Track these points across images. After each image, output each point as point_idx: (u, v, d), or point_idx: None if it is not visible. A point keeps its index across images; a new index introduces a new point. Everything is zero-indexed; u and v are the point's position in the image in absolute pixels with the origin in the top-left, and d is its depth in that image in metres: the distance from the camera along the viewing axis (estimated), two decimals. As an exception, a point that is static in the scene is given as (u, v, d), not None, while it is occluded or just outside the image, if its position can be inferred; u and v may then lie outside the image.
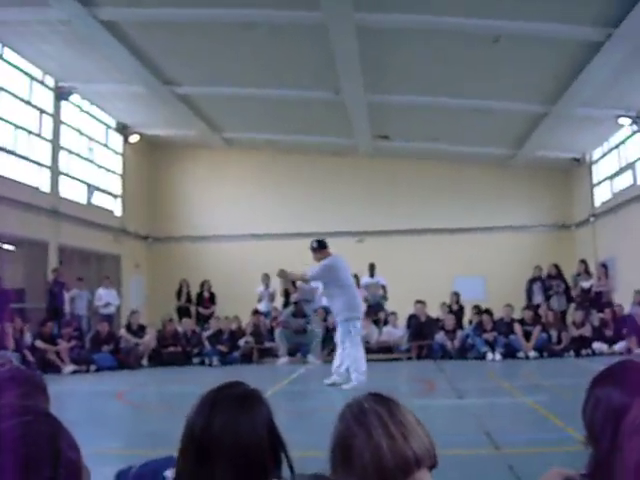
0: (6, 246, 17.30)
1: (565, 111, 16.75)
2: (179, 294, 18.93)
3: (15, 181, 16.54)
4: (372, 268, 17.85)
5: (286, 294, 16.71)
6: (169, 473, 1.94)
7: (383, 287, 17.80)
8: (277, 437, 1.81)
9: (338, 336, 10.47)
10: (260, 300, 18.02)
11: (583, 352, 15.02)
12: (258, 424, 1.78)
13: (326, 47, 14.23)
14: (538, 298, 17.13)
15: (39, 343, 14.17)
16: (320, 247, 10.43)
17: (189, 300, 18.74)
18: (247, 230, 22.92)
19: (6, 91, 16.46)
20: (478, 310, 16.57)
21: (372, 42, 13.96)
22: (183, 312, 18.38)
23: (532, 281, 17.54)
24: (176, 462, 1.80)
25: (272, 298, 17.98)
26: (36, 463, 0.79)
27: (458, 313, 17.17)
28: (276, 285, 17.84)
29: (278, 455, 1.79)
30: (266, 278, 17.98)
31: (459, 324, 16.57)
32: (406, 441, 1.65)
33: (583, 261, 17.35)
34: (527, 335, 15.41)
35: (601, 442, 1.66)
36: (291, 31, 14.07)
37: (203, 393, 1.86)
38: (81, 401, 10.14)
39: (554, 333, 15.62)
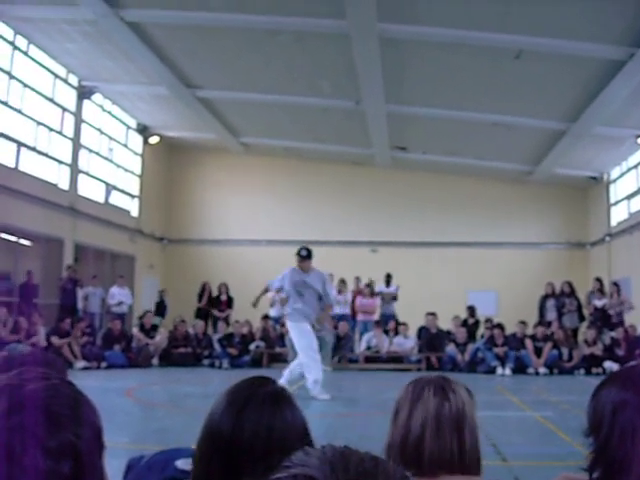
0: (23, 241, 17.43)
1: (585, 129, 16.71)
2: (200, 296, 18.98)
3: (34, 177, 16.68)
4: (388, 278, 17.90)
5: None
6: (179, 462, 1.97)
7: (394, 298, 17.80)
8: (311, 441, 1.68)
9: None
10: (272, 305, 18.03)
11: (594, 370, 14.91)
12: (290, 426, 1.67)
13: (349, 56, 14.29)
14: (551, 315, 17.05)
15: (55, 339, 14.26)
16: (309, 257, 10.79)
17: (211, 303, 18.77)
18: (262, 235, 23.00)
19: (30, 88, 16.61)
20: (490, 324, 16.55)
21: (394, 53, 14.01)
22: (203, 315, 18.42)
23: (545, 298, 17.48)
24: (194, 465, 1.70)
25: (284, 303, 17.95)
26: (59, 423, 0.83)
27: (473, 327, 17.16)
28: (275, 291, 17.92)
29: None
30: None
31: (472, 338, 16.55)
32: (433, 444, 1.79)
33: (598, 279, 17.26)
34: (538, 351, 15.35)
35: (598, 436, 1.69)
36: (315, 39, 14.14)
37: (228, 389, 1.73)
38: (91, 396, 10.14)
39: (565, 350, 15.55)
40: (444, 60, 14.27)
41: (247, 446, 1.59)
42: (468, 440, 1.85)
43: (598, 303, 16.77)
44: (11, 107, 15.93)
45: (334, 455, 0.77)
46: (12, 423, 0.80)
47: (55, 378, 0.88)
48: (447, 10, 12.45)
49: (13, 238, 17.00)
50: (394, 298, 17.84)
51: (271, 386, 1.76)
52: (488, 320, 16.94)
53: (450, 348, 15.98)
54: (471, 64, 14.25)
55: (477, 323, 17.45)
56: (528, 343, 15.46)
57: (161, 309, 19.35)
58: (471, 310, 17.66)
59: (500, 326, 16.16)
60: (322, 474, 0.73)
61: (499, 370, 15.03)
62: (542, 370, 15.05)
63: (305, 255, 10.76)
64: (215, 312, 18.48)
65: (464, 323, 17.08)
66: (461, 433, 1.84)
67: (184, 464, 1.94)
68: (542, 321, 16.78)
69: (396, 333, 16.87)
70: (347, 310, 17.65)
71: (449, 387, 1.93)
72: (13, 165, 15.97)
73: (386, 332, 16.67)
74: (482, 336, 16.70)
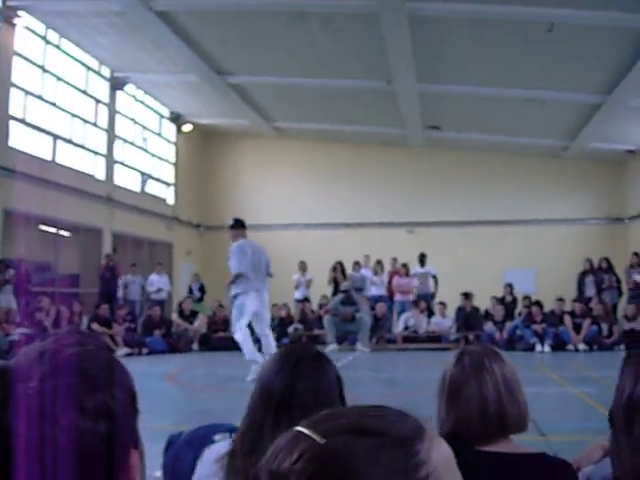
0: (62, 232, 17.69)
1: (620, 102, 16.42)
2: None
3: (71, 169, 16.92)
4: (422, 258, 17.83)
5: (335, 282, 16.78)
6: (218, 437, 2.03)
7: (434, 277, 17.79)
8: (343, 395, 1.93)
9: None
10: (297, 287, 18.15)
11: (634, 346, 14.78)
12: (333, 383, 1.91)
13: (378, 36, 14.21)
14: (590, 291, 16.91)
15: (95, 326, 14.49)
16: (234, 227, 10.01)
17: None
18: (297, 219, 23.05)
19: (63, 81, 16.81)
20: (529, 302, 16.44)
21: (424, 31, 13.89)
22: None
23: (583, 274, 17.33)
24: (246, 416, 1.89)
25: (308, 285, 18.08)
26: (95, 385, 0.87)
27: (510, 305, 17.07)
28: (313, 273, 18.01)
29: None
30: (302, 266, 18.15)
31: (511, 315, 16.47)
32: (510, 405, 1.91)
33: (636, 254, 17.04)
34: (577, 328, 15.24)
35: (616, 419, 1.71)
36: (343, 21, 14.07)
37: (278, 352, 2.00)
38: (134, 381, 10.34)
39: (605, 326, 15.41)
40: (475, 36, 14.11)
41: (299, 401, 1.80)
42: (524, 398, 2.00)
43: (638, 277, 16.57)
44: (46, 101, 16.14)
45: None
46: (49, 386, 0.84)
47: (91, 344, 0.91)
48: (476, -14, 12.33)
49: (52, 229, 17.27)
50: (435, 287, 17.80)
51: (314, 349, 2.04)
52: (526, 297, 16.82)
53: (488, 326, 15.94)
54: (502, 39, 14.07)
55: (515, 301, 17.35)
56: (567, 319, 15.35)
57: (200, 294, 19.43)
58: (509, 288, 17.56)
59: (538, 303, 16.05)
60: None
61: (538, 347, 14.96)
62: (581, 346, 14.94)
63: (230, 225, 10.10)
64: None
65: (502, 301, 17.01)
66: (521, 393, 1.99)
67: (222, 439, 2.00)
68: (581, 297, 16.64)
69: (432, 312, 16.85)
70: (384, 291, 17.67)
71: (499, 353, 2.06)
72: (50, 158, 16.20)
73: (423, 312, 16.64)
74: (520, 314, 16.61)
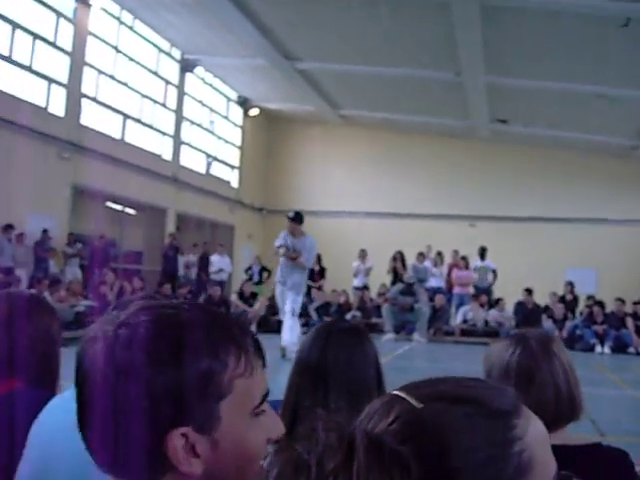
0: (128, 210, 18.02)
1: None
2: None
3: (139, 148, 17.21)
4: (483, 252, 17.61)
5: (394, 272, 16.70)
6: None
7: (493, 271, 17.56)
8: (380, 369, 1.94)
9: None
10: (356, 275, 18.12)
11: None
12: (368, 357, 1.92)
13: (448, 26, 14.05)
14: (655, 294, 16.53)
15: (156, 303, 14.72)
16: (301, 221, 10.50)
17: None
18: (359, 207, 23.01)
19: (135, 61, 17.08)
20: (592, 301, 16.12)
21: (496, 22, 13.67)
22: None
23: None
24: (288, 383, 1.91)
25: (367, 273, 18.03)
26: (165, 365, 0.88)
27: (571, 303, 16.78)
28: (373, 260, 17.95)
29: (382, 384, 1.92)
30: (363, 253, 18.11)
31: (571, 314, 16.19)
32: (576, 391, 1.90)
33: None
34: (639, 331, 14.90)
35: None
36: (414, 9, 13.96)
37: (314, 328, 2.01)
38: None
39: (669, 330, 15.02)
40: (546, 29, 13.83)
41: (332, 372, 1.82)
42: None
43: None
44: (117, 80, 16.43)
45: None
46: (120, 364, 0.85)
47: (162, 320, 0.91)
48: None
49: (119, 207, 17.60)
50: (494, 272, 17.58)
51: (350, 323, 2.07)
52: (591, 297, 16.50)
53: (547, 324, 15.69)
54: (574, 33, 13.74)
55: (576, 300, 17.04)
56: (629, 322, 15.00)
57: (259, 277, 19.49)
58: (570, 286, 17.26)
59: (600, 303, 15.74)
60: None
61: (598, 348, 14.66)
62: (644, 350, 14.60)
63: (292, 217, 10.50)
64: (309, 282, 18.59)
65: (562, 299, 16.74)
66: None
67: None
68: (644, 299, 16.26)
69: (490, 306, 16.66)
70: (442, 283, 17.54)
71: (558, 339, 2.07)
72: (119, 137, 16.50)
73: (482, 306, 16.46)
74: (581, 313, 16.31)
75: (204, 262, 18.63)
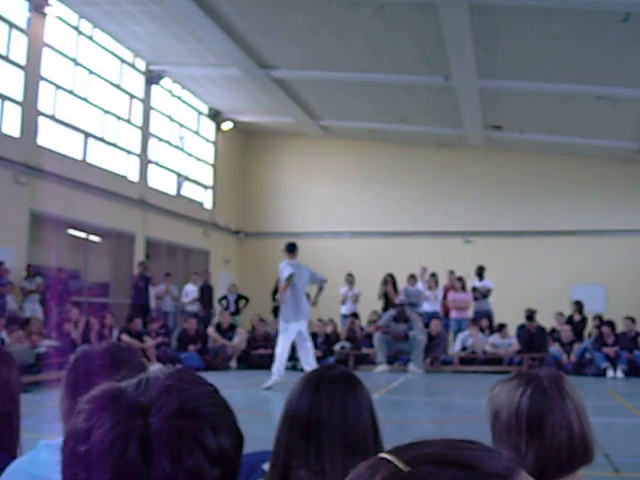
0: (92, 237, 17.91)
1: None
2: (274, 294, 19.09)
3: (103, 169, 17.15)
4: (481, 271, 17.57)
5: (385, 297, 16.71)
6: (267, 466, 2.02)
7: (488, 290, 17.44)
8: (375, 418, 1.95)
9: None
10: (344, 302, 18.06)
11: None
12: (362, 404, 1.94)
13: (436, 27, 14.14)
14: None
15: (125, 337, 14.62)
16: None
17: None
18: (344, 227, 23.03)
19: (96, 74, 17.06)
20: (600, 321, 16.14)
21: (486, 21, 13.79)
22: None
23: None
24: (276, 440, 1.91)
25: (356, 299, 17.99)
26: (218, 428, 0.96)
27: (579, 325, 16.76)
28: (361, 286, 17.93)
29: (378, 434, 1.93)
30: (350, 278, 18.05)
31: (579, 336, 16.18)
32: (589, 433, 1.92)
33: None
34: (655, 351, 14.95)
35: None
36: (398, 9, 14.02)
37: (303, 376, 2.03)
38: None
39: (686, 351, 15.07)
40: (540, 28, 13.95)
41: (325, 422, 1.84)
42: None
43: None
44: (77, 96, 16.40)
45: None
46: (177, 425, 0.90)
47: (207, 384, 1.00)
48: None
49: (82, 234, 17.49)
50: (485, 295, 17.51)
51: (340, 369, 2.07)
52: (598, 317, 16.51)
53: (554, 348, 15.69)
54: (570, 31, 13.87)
55: (584, 320, 17.01)
56: (642, 342, 15.05)
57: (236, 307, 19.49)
58: (578, 306, 17.21)
59: (610, 323, 15.76)
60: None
61: (610, 372, 14.65)
62: (660, 373, 14.63)
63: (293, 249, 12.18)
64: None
65: (569, 320, 16.73)
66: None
67: None
68: (658, 317, 16.31)
69: (491, 332, 16.61)
70: (438, 307, 17.49)
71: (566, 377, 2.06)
72: (81, 157, 16.45)
73: (481, 330, 16.43)
74: (590, 335, 16.31)
75: (207, 293, 18.60)
